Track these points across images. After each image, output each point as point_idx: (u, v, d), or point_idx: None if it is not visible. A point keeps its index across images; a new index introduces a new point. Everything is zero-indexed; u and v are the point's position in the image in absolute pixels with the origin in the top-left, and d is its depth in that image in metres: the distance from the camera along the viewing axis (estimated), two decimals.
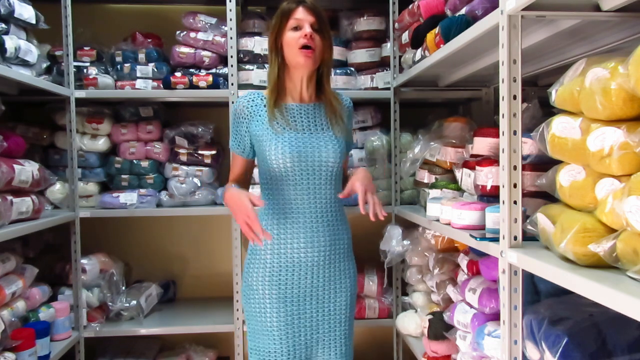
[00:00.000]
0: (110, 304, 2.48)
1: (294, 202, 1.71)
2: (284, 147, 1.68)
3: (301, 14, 1.68)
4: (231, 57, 2.40)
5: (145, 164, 2.54)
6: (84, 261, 2.41)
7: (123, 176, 2.55)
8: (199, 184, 2.54)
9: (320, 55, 1.71)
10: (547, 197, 1.31)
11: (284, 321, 1.71)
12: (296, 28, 1.68)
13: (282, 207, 1.72)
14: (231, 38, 2.39)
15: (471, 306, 1.72)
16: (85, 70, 2.46)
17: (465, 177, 1.80)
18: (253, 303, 1.74)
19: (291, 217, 1.72)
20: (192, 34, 2.48)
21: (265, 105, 1.74)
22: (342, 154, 1.75)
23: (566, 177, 1.12)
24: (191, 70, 2.48)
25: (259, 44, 2.46)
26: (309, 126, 1.74)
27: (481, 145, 1.75)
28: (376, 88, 2.52)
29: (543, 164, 1.36)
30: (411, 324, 2.34)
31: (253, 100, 1.76)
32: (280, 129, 1.71)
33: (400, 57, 2.40)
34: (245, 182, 1.85)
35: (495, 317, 1.58)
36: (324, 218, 1.73)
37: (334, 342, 1.75)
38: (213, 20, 2.50)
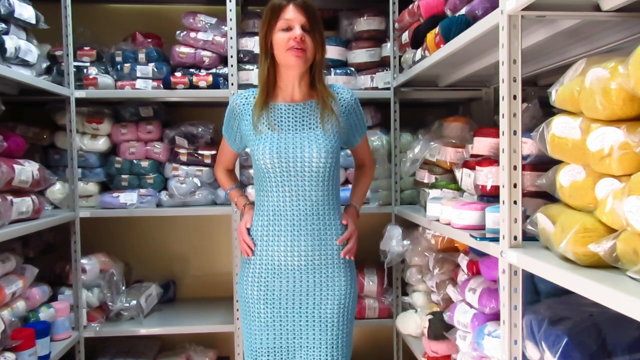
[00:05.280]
0: (110, 304, 2.48)
1: (277, 204, 1.70)
2: (264, 148, 1.67)
3: (292, 14, 1.64)
4: (231, 57, 2.40)
5: (145, 164, 2.54)
6: (84, 261, 2.41)
7: (123, 176, 2.55)
8: (199, 184, 2.54)
9: (312, 55, 1.68)
10: (547, 197, 1.31)
11: (265, 322, 1.72)
12: (287, 28, 1.64)
13: (267, 209, 1.72)
14: (231, 38, 2.39)
15: (471, 306, 1.72)
16: (85, 70, 2.46)
17: (465, 177, 1.80)
18: (243, 302, 1.77)
19: (274, 220, 1.71)
20: (192, 34, 2.47)
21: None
22: (332, 153, 1.68)
23: (566, 177, 1.12)
24: (191, 70, 2.48)
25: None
26: (295, 126, 1.71)
27: (481, 145, 1.75)
28: (376, 88, 2.52)
29: (543, 164, 1.36)
30: (411, 324, 2.34)
31: (246, 99, 1.76)
32: (264, 129, 1.70)
33: (400, 57, 2.40)
34: (233, 167, 2.00)
35: (495, 317, 1.58)
36: (307, 222, 1.69)
37: (318, 350, 1.70)
38: (213, 20, 2.50)
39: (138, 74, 2.47)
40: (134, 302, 2.50)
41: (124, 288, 2.54)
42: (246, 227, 1.78)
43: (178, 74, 2.43)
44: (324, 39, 1.72)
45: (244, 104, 1.76)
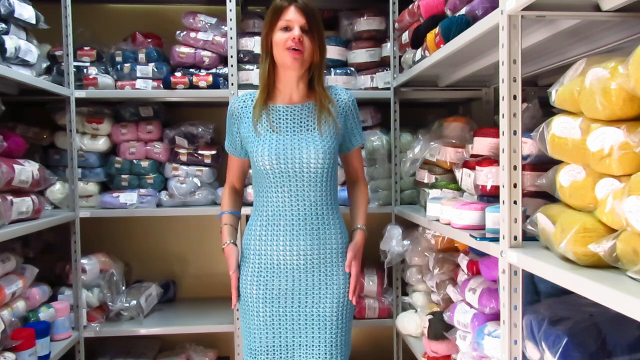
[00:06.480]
0: (110, 304, 2.48)
1: (276, 204, 1.71)
2: (264, 149, 1.68)
3: (292, 15, 1.66)
4: (231, 57, 2.40)
5: (145, 164, 2.54)
6: (84, 261, 2.41)
7: (123, 176, 2.55)
8: (199, 184, 2.54)
9: (310, 57, 1.69)
10: (547, 197, 1.31)
11: (264, 321, 1.72)
12: (286, 29, 1.66)
13: (266, 209, 1.73)
14: (231, 38, 2.39)
15: (471, 306, 1.72)
16: (85, 70, 2.46)
17: (465, 177, 1.80)
18: (242, 301, 1.77)
19: (273, 220, 1.72)
20: (192, 34, 2.48)
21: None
22: (330, 154, 1.70)
23: (566, 177, 1.12)
24: (191, 70, 2.48)
25: (259, 44, 2.45)
26: (294, 128, 1.72)
27: (481, 145, 1.75)
28: (376, 88, 2.52)
29: (543, 164, 1.36)
30: (411, 324, 2.34)
31: (244, 102, 1.78)
32: (263, 130, 1.71)
33: (400, 57, 2.40)
34: (241, 182, 1.92)
35: (495, 317, 1.58)
36: (306, 221, 1.70)
37: (317, 348, 1.71)
38: (213, 20, 2.50)
39: (138, 74, 2.47)
40: (134, 302, 2.50)
41: (124, 288, 2.54)
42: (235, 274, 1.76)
43: (178, 74, 2.43)
44: (323, 42, 1.73)
45: (242, 107, 1.77)
